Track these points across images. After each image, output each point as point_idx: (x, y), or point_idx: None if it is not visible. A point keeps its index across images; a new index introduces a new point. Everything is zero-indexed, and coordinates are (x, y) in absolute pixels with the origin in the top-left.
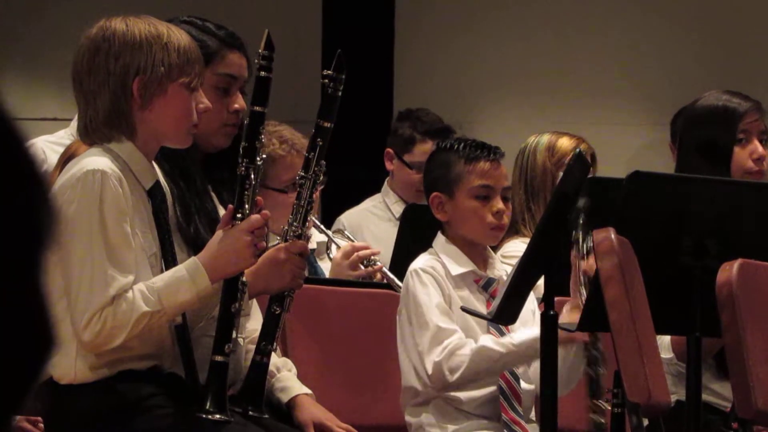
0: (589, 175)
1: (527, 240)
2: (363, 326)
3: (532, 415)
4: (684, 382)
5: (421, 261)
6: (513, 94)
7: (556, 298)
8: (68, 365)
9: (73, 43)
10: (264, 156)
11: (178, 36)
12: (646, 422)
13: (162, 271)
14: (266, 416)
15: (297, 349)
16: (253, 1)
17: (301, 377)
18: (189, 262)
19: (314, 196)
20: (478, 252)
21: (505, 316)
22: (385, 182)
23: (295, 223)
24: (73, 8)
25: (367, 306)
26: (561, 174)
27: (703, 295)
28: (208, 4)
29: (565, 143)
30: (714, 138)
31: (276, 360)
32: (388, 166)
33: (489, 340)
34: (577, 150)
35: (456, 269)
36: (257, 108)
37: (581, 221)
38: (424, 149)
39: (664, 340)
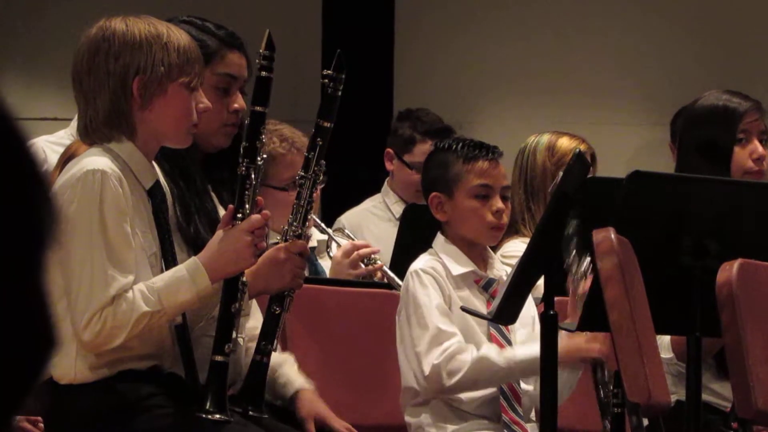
0: (589, 175)
1: (527, 240)
2: (363, 326)
3: (532, 415)
4: (684, 382)
5: (422, 262)
6: (513, 94)
7: (556, 298)
8: (68, 365)
9: (73, 43)
10: (265, 155)
11: (178, 36)
12: (646, 422)
13: (162, 271)
14: (266, 416)
15: (297, 349)
16: (253, 1)
17: None
18: (189, 262)
19: (314, 195)
20: (477, 252)
21: (504, 316)
22: (385, 182)
23: (294, 223)
24: (73, 8)
25: (367, 306)
26: (561, 174)
27: (703, 295)
28: (208, 4)
29: (565, 143)
30: (714, 138)
31: (276, 357)
32: (388, 166)
33: (492, 351)
34: (577, 150)
35: (457, 269)
36: (258, 108)
37: (573, 247)
38: (424, 149)
39: (664, 340)
